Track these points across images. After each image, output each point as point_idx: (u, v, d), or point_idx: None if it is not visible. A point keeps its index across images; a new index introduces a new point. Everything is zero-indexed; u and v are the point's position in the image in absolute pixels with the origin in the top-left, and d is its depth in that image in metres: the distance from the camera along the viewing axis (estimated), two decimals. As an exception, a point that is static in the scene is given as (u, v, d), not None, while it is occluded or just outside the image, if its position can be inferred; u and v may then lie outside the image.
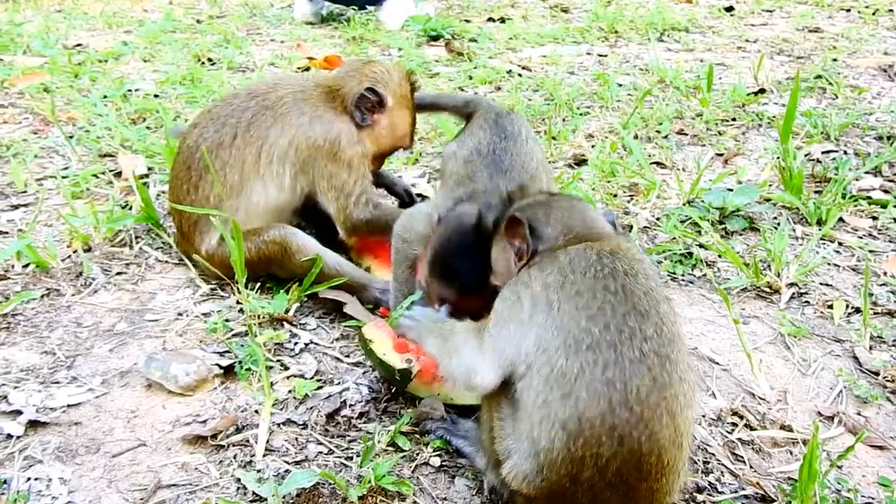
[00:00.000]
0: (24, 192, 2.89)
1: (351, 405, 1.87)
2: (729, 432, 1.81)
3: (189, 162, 2.27)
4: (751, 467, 1.71)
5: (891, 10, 6.59)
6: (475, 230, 1.81)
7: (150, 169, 3.09)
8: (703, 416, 1.85)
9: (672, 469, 1.32)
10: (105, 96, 3.89)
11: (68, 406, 1.85)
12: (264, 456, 1.70)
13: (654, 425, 1.27)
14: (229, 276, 2.26)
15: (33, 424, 1.77)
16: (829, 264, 2.55)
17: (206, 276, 2.37)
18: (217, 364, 1.97)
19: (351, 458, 1.70)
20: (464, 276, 1.81)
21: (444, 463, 1.70)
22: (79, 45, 5.13)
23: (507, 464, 1.39)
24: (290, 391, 1.91)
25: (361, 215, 2.32)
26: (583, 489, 1.29)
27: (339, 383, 1.95)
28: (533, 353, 1.35)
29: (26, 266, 2.38)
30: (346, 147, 2.29)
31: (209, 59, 4.82)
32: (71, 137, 3.34)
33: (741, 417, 1.85)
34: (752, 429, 1.82)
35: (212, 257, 2.29)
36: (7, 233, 2.60)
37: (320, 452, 1.72)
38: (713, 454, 1.73)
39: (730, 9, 6.72)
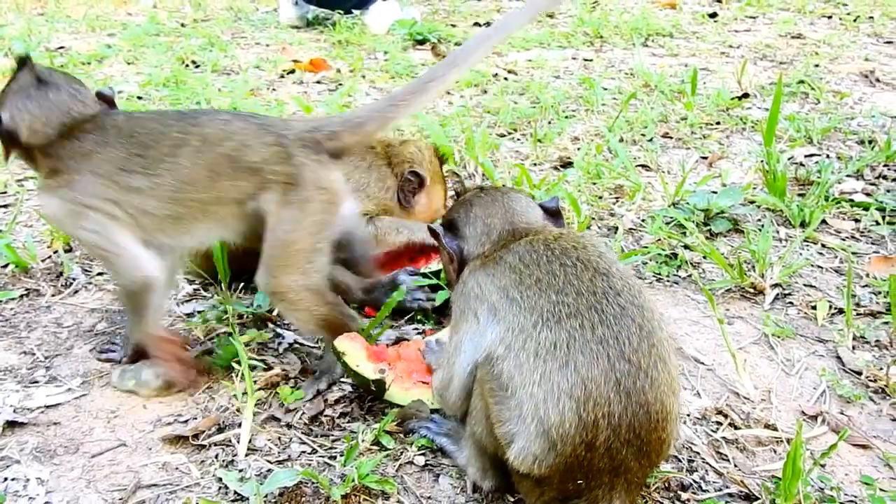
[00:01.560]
0: (4, 192, 2.86)
1: (334, 404, 1.85)
2: (713, 431, 1.81)
3: None
4: (735, 466, 1.71)
5: (871, 18, 6.67)
6: None
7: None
8: (688, 415, 1.85)
9: (673, 417, 1.36)
10: (88, 97, 3.85)
11: (47, 406, 1.82)
12: (246, 455, 1.68)
13: (652, 372, 1.32)
14: (209, 271, 2.24)
15: (11, 425, 1.74)
16: (812, 266, 2.56)
17: (188, 276, 2.34)
18: None
19: (334, 458, 1.68)
20: None
21: (428, 462, 1.68)
22: (61, 47, 5.09)
23: (512, 449, 1.35)
24: (273, 390, 1.89)
25: None
26: (599, 454, 1.30)
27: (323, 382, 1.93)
28: (508, 336, 1.36)
29: (5, 266, 2.34)
30: (383, 196, 2.40)
31: (193, 62, 4.80)
32: (52, 138, 3.30)
33: (726, 416, 1.85)
34: (736, 428, 1.82)
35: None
36: (-14, 233, 2.57)
37: (303, 452, 1.70)
38: (698, 453, 1.73)
39: (713, 15, 6.78)
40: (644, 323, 1.35)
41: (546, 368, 1.30)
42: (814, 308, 2.32)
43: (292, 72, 4.68)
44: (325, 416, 1.82)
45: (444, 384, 1.54)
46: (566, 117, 3.94)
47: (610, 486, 1.34)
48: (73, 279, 2.32)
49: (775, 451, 1.77)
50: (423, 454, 1.70)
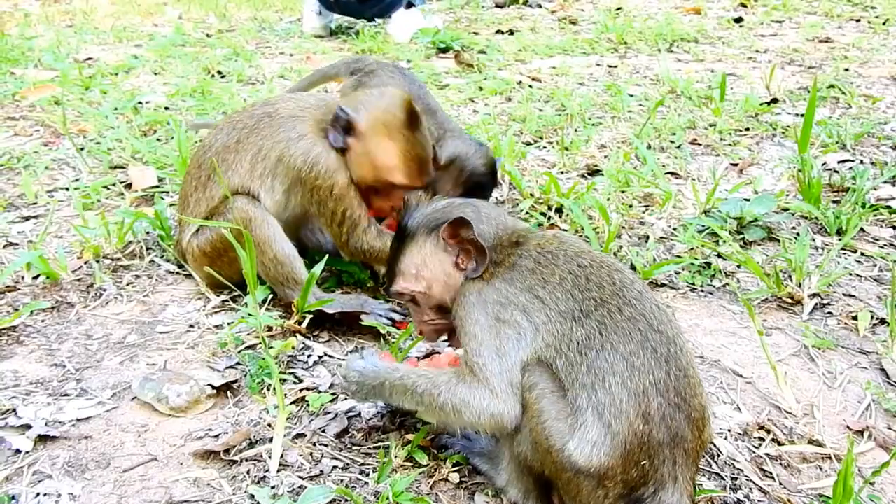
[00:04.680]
0: (35, 203, 2.87)
1: (367, 419, 1.82)
2: (756, 447, 1.76)
3: (200, 161, 2.29)
4: (780, 483, 1.65)
5: (901, 21, 6.55)
6: None
7: (160, 180, 3.07)
8: (729, 430, 1.80)
9: (702, 386, 1.43)
10: (116, 108, 3.88)
11: (78, 420, 1.81)
12: (278, 471, 1.65)
13: (678, 341, 1.41)
14: (237, 283, 2.23)
15: (42, 439, 1.73)
16: (850, 274, 2.49)
17: (217, 288, 2.33)
18: (210, 384, 1.91)
19: (367, 474, 1.65)
20: None
21: (462, 479, 1.65)
22: (89, 58, 5.14)
23: (568, 446, 1.36)
24: (303, 404, 1.87)
25: (358, 245, 2.23)
26: (655, 423, 1.33)
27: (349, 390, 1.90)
28: (550, 339, 1.43)
29: (36, 277, 2.35)
30: (326, 174, 2.15)
31: (219, 72, 4.82)
32: (82, 149, 3.32)
33: (768, 432, 1.80)
34: (779, 444, 1.76)
35: (189, 245, 2.30)
36: (17, 244, 2.57)
37: (335, 467, 1.68)
38: (741, 470, 1.68)
39: (739, 20, 6.70)
40: (654, 301, 1.46)
41: (589, 360, 1.37)
42: (854, 318, 2.25)
43: (317, 81, 4.68)
44: (357, 430, 1.79)
45: (492, 396, 1.44)
46: (592, 124, 3.90)
47: (672, 460, 1.34)
48: (103, 290, 2.32)
49: (821, 468, 1.71)
50: (457, 471, 1.66)
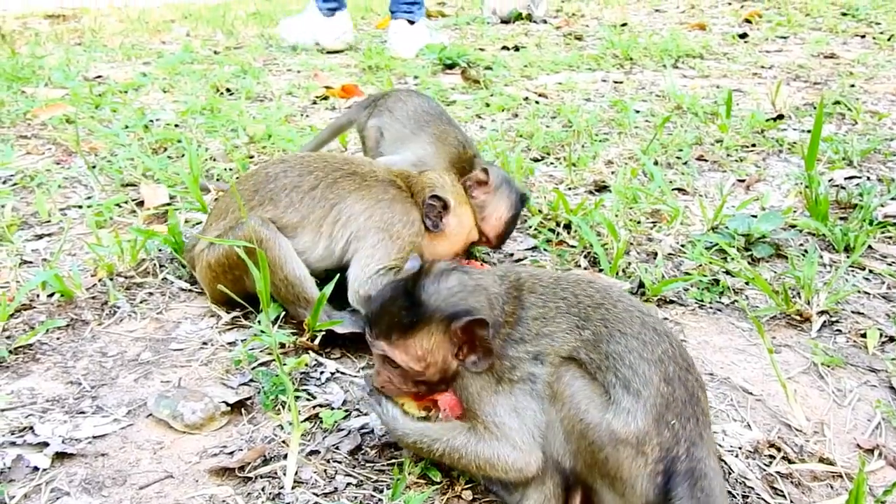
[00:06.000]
0: (48, 221, 2.91)
1: (380, 435, 1.84)
2: (767, 465, 1.76)
3: (258, 186, 2.31)
4: (791, 502, 1.66)
5: (905, 36, 6.59)
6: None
7: (172, 198, 3.10)
8: (740, 448, 1.81)
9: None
10: (126, 126, 3.92)
11: (94, 437, 1.83)
12: (293, 488, 1.67)
13: (664, 323, 1.60)
14: (248, 300, 2.26)
15: (60, 456, 1.75)
16: (859, 292, 2.51)
17: (223, 304, 2.35)
18: (224, 402, 1.92)
19: (381, 490, 1.67)
20: None
21: (476, 496, 1.66)
22: (99, 76, 5.19)
23: (607, 417, 1.43)
24: (317, 421, 1.89)
25: (372, 292, 2.24)
26: (676, 384, 1.46)
27: (366, 413, 1.92)
28: (564, 349, 1.53)
29: (51, 295, 2.37)
30: (410, 234, 2.31)
31: (227, 90, 4.87)
32: (93, 167, 3.36)
33: (779, 450, 1.81)
34: (790, 462, 1.77)
35: (200, 255, 2.33)
36: (32, 262, 2.60)
37: (349, 484, 1.69)
38: (752, 488, 1.69)
39: (743, 35, 6.75)
40: (641, 304, 1.62)
41: (603, 349, 1.50)
42: (863, 336, 2.26)
43: (325, 98, 4.73)
44: (371, 446, 1.81)
45: (515, 450, 1.51)
46: (599, 140, 3.92)
47: (695, 418, 1.45)
48: (117, 308, 2.34)
49: (832, 487, 1.72)
50: (470, 488, 1.68)
